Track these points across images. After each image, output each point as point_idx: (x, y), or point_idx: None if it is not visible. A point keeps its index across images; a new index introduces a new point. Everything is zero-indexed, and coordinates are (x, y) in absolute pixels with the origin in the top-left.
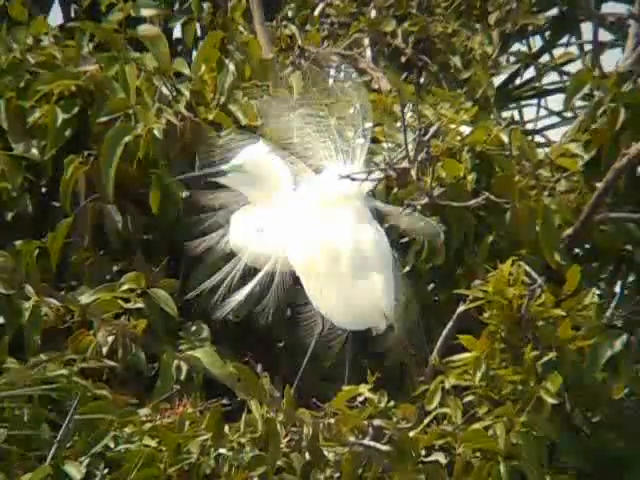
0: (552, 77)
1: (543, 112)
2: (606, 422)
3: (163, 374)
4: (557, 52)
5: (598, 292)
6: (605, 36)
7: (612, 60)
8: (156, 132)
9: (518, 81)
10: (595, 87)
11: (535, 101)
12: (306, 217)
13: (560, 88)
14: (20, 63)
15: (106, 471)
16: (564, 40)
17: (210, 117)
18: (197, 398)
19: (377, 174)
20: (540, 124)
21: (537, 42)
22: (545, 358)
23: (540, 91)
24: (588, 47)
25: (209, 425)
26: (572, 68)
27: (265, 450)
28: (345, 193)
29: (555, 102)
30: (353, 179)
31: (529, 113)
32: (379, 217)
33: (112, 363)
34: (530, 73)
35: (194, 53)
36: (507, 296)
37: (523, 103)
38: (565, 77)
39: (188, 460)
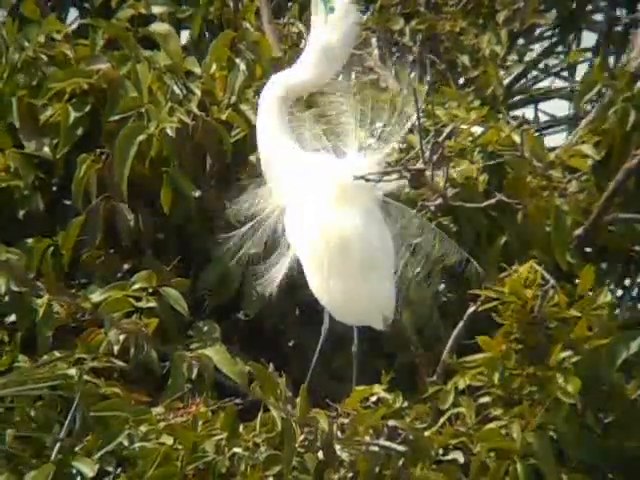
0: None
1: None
2: (620, 421)
3: (174, 373)
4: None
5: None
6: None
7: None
8: (169, 131)
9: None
10: (606, 87)
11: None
12: (318, 204)
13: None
14: (32, 61)
15: (120, 469)
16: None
17: (222, 117)
18: (208, 397)
19: (392, 175)
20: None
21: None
22: (572, 359)
23: (543, 93)
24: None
25: (224, 424)
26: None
27: (280, 449)
28: (359, 186)
29: (553, 104)
30: (367, 180)
31: (529, 113)
32: (392, 214)
33: (121, 363)
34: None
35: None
36: (523, 297)
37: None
38: (564, 79)
39: (204, 459)
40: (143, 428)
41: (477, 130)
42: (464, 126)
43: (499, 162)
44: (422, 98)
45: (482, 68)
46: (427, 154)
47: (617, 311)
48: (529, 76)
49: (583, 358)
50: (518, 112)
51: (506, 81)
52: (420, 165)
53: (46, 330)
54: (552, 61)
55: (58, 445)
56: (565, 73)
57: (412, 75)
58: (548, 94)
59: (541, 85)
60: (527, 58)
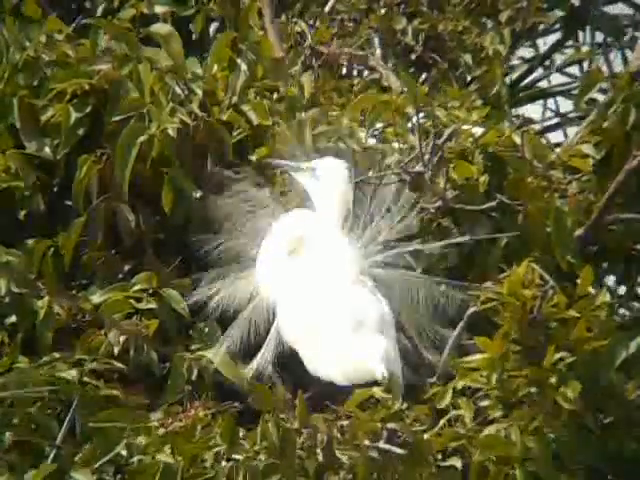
0: (557, 79)
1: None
2: (620, 422)
3: (174, 374)
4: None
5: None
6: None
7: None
8: (170, 131)
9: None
10: (606, 86)
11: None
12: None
13: (565, 90)
14: (33, 61)
15: (118, 477)
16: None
17: (224, 117)
18: (208, 399)
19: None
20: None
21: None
22: (567, 360)
23: (546, 92)
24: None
25: (223, 433)
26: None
27: (280, 458)
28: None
29: (560, 100)
30: (368, 182)
31: (534, 113)
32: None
33: (119, 364)
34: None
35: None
36: (521, 298)
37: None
38: (568, 78)
39: (205, 475)
40: (141, 439)
41: (478, 131)
42: (465, 127)
43: (500, 163)
44: (422, 99)
45: (485, 67)
46: (427, 156)
47: (619, 310)
48: (535, 73)
49: (582, 359)
50: (524, 109)
51: (512, 77)
52: (420, 167)
53: (46, 331)
54: (558, 57)
55: (54, 452)
56: (569, 70)
57: (414, 74)
58: (553, 88)
59: (544, 82)
60: (532, 54)
